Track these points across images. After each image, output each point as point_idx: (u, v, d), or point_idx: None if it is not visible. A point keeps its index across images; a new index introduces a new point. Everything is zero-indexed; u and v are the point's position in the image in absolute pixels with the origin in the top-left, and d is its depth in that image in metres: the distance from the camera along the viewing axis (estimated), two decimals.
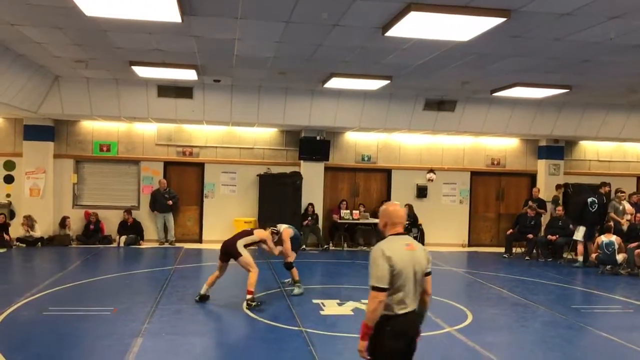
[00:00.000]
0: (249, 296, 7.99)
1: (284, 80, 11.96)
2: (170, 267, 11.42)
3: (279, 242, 8.91)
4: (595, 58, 9.08)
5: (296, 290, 8.92)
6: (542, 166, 16.13)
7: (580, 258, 12.90)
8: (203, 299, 8.30)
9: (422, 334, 7.08)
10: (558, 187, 15.34)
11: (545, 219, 14.80)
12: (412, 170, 15.81)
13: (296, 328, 7.11)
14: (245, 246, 8.27)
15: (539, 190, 15.26)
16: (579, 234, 12.88)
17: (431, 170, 15.60)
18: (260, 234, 8.60)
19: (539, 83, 11.24)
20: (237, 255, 8.14)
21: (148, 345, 6.26)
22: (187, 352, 6.10)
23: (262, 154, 15.30)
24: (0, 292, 8.90)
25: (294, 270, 9.00)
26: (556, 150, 16.03)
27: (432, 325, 7.48)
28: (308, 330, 7.02)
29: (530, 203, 14.54)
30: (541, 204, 14.82)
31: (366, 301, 8.38)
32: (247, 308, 7.86)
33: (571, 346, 6.90)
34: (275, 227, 8.97)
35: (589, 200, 13.02)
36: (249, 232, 8.54)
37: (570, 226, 13.38)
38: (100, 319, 7.33)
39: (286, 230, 9.01)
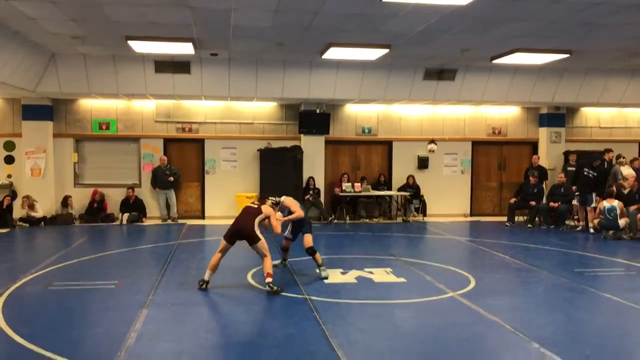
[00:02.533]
0: (269, 279, 7.28)
1: (281, 52, 11.86)
2: (173, 242, 11.45)
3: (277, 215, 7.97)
4: (595, 21, 8.99)
5: (323, 274, 8.10)
6: (543, 134, 16.07)
7: (583, 223, 13.13)
8: (208, 285, 7.47)
9: (425, 299, 7.13)
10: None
11: (547, 187, 14.80)
12: (413, 141, 15.77)
13: (300, 296, 7.15)
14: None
15: (538, 158, 15.21)
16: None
17: (432, 141, 15.54)
18: (267, 210, 7.68)
19: (539, 48, 11.13)
20: (255, 239, 7.38)
21: (153, 315, 6.30)
22: (193, 322, 6.14)
23: (262, 129, 15.24)
24: (5, 269, 8.98)
25: (318, 255, 8.20)
26: (557, 117, 15.95)
27: (435, 291, 7.53)
28: (312, 297, 7.05)
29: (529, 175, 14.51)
30: (542, 171, 14.78)
31: (370, 269, 8.42)
32: (268, 293, 7.22)
33: (574, 307, 6.93)
34: (275, 198, 8.12)
35: (585, 168, 13.06)
36: (258, 210, 7.64)
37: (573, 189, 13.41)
38: (105, 292, 7.37)
39: (288, 198, 8.31)
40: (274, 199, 8.08)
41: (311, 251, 8.15)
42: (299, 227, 8.39)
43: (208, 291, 7.37)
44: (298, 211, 8.15)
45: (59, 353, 5.04)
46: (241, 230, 7.46)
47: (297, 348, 5.28)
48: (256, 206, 7.76)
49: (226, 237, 7.54)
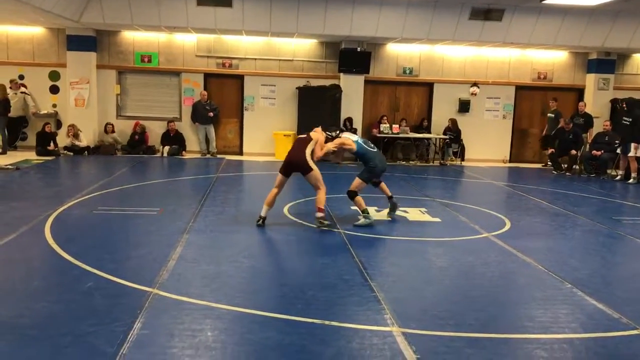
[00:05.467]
0: (319, 214, 7.22)
1: None
2: (212, 175, 11.69)
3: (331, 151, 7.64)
4: None
5: (361, 221, 7.57)
6: (590, 80, 15.55)
7: (622, 172, 12.84)
8: (264, 221, 7.36)
9: (459, 238, 7.16)
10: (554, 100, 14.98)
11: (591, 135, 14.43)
12: (455, 83, 15.46)
13: (335, 230, 7.27)
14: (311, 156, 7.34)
15: (585, 104, 14.76)
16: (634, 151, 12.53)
17: (475, 84, 15.23)
18: (315, 135, 7.54)
19: None
20: (307, 169, 7.25)
21: (194, 240, 6.52)
22: (231, 247, 6.35)
23: (301, 67, 15.13)
24: (51, 193, 9.35)
25: (358, 199, 7.61)
26: (607, 63, 15.37)
27: (470, 231, 7.56)
28: (346, 232, 7.16)
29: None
30: (588, 119, 14.38)
31: (405, 209, 8.44)
32: (317, 227, 7.22)
33: (611, 252, 6.89)
34: (332, 132, 7.78)
35: (624, 116, 12.66)
36: (308, 139, 7.48)
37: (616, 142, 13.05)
38: (148, 218, 7.62)
39: (345, 138, 7.73)
40: (330, 134, 7.76)
41: (349, 194, 7.64)
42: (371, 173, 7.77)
43: (246, 221, 7.52)
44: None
45: (104, 271, 5.29)
46: (292, 161, 7.39)
47: (331, 277, 5.42)
48: (305, 135, 7.62)
49: (281, 170, 7.50)
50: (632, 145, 12.29)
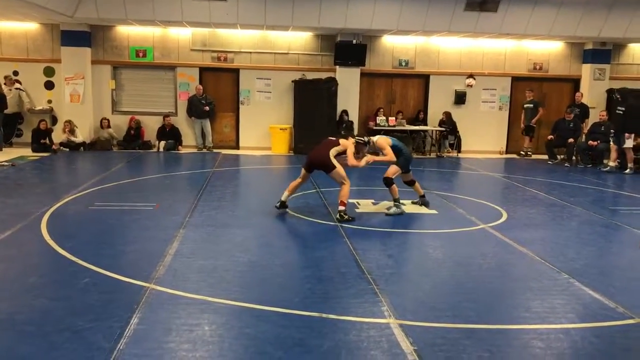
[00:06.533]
0: (341, 207, 7.33)
1: None
2: (209, 169, 11.67)
3: (367, 153, 7.75)
4: None
5: (392, 210, 7.87)
6: (586, 71, 15.54)
7: (614, 164, 12.78)
8: (283, 206, 7.64)
9: (455, 230, 7.16)
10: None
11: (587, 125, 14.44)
12: (451, 75, 15.44)
13: (332, 223, 7.27)
14: (335, 157, 7.52)
15: (582, 95, 14.78)
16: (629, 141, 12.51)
17: (471, 76, 15.21)
18: (344, 143, 7.63)
19: None
20: (330, 167, 7.42)
21: (190, 235, 6.51)
22: (228, 242, 6.34)
23: (296, 60, 15.09)
24: (47, 189, 9.34)
25: (394, 187, 7.87)
26: (603, 53, 15.35)
27: (466, 222, 7.57)
28: (344, 225, 7.16)
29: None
30: (584, 109, 14.40)
31: (402, 201, 8.44)
32: (337, 220, 7.28)
33: (607, 242, 6.91)
34: (363, 138, 7.81)
35: (618, 105, 12.71)
36: (336, 142, 7.64)
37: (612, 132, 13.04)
38: (144, 213, 7.61)
39: (382, 138, 7.89)
40: (361, 138, 7.78)
41: (386, 182, 7.85)
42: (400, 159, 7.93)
43: (243, 216, 7.54)
44: (390, 154, 7.67)
45: (100, 266, 5.29)
46: (315, 159, 7.61)
47: (328, 270, 5.43)
48: (335, 139, 7.78)
49: (304, 167, 7.73)
50: (625, 135, 12.32)
